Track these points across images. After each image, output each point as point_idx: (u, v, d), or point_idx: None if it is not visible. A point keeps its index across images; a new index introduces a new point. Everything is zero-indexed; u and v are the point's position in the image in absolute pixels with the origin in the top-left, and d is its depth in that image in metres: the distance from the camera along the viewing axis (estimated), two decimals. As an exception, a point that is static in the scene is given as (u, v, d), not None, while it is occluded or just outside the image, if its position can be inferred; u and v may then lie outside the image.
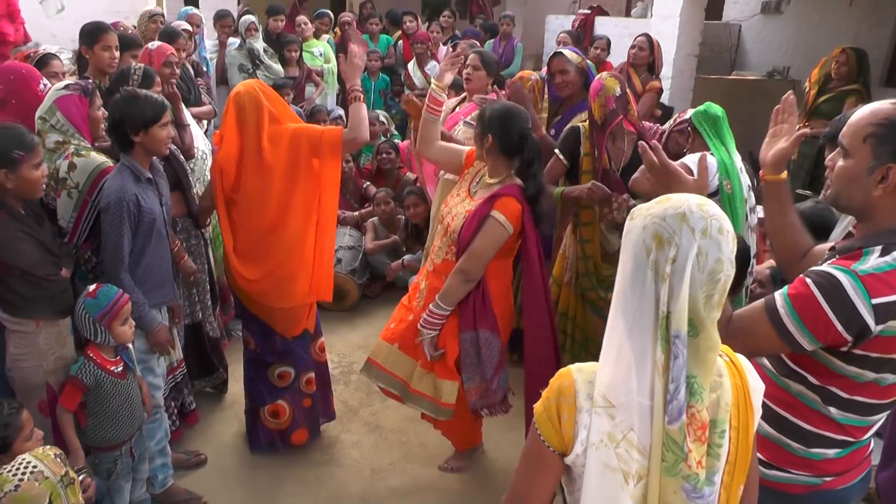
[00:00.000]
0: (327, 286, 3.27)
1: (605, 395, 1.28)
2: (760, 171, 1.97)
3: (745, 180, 2.90)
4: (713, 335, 1.26)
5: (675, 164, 1.78)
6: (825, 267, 1.59)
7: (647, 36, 5.56)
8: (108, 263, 2.72)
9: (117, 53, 3.69)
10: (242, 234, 3.15)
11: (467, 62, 4.04)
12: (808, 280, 1.57)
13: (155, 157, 2.93)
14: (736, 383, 1.35)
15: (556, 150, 3.57)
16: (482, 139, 2.89)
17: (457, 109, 4.25)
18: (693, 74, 7.13)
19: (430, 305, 2.94)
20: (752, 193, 2.91)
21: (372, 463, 3.47)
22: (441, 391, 3.00)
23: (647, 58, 5.47)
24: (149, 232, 2.78)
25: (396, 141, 6.09)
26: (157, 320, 2.88)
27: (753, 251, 2.85)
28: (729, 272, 1.26)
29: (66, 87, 2.84)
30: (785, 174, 1.94)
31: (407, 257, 5.28)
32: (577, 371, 1.36)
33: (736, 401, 1.33)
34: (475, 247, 2.85)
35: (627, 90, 3.36)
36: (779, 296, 1.61)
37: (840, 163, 1.65)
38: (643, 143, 1.71)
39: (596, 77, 3.49)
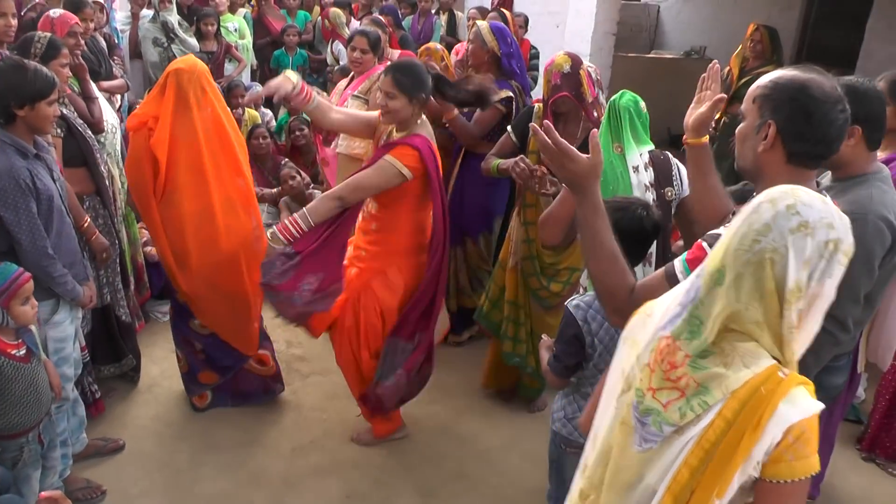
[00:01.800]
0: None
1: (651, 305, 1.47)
2: (683, 137, 2.05)
3: (641, 178, 2.90)
4: (736, 317, 1.27)
5: None
6: (719, 229, 1.64)
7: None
8: (30, 246, 2.61)
9: (14, 22, 3.51)
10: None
11: (354, 46, 4.14)
12: (704, 244, 1.62)
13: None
14: (753, 393, 1.26)
15: (508, 128, 3.53)
16: (411, 103, 2.94)
17: (346, 90, 4.27)
18: (611, 52, 7.24)
19: (296, 214, 2.98)
20: (647, 191, 2.90)
21: (292, 441, 3.47)
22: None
23: None
24: (48, 210, 2.68)
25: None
26: (80, 290, 2.84)
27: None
28: None
29: None
30: (706, 139, 2.03)
31: None
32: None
33: (740, 405, 1.26)
34: (359, 176, 2.93)
35: (585, 72, 3.24)
36: (678, 261, 1.65)
37: (740, 127, 1.73)
38: (534, 125, 1.73)
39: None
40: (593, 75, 3.93)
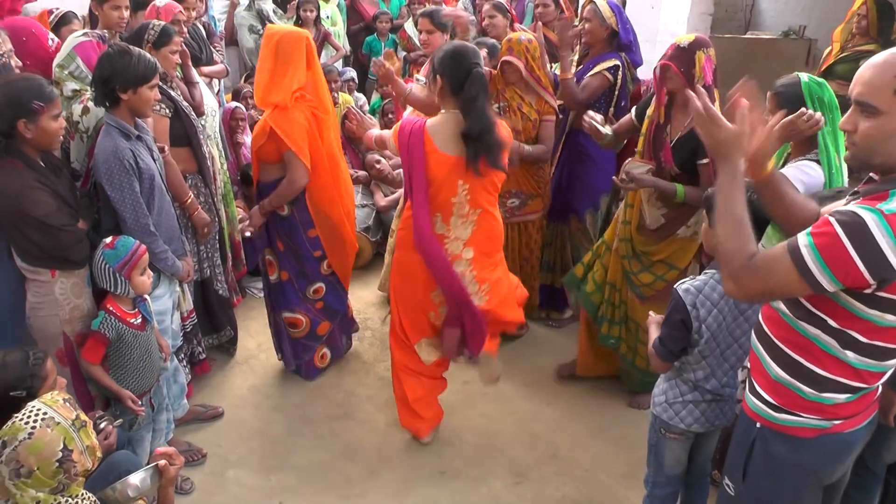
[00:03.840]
0: None
1: None
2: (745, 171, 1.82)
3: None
4: None
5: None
6: (850, 206, 1.55)
7: None
8: (133, 223, 2.74)
9: (127, 13, 3.67)
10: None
11: (420, 28, 4.18)
12: (832, 219, 1.53)
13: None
14: None
15: (632, 111, 3.46)
16: (433, 82, 2.89)
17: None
18: (707, 33, 6.99)
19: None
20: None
21: (387, 416, 3.52)
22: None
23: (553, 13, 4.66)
24: (150, 189, 2.80)
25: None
26: (179, 265, 2.97)
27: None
28: None
29: (84, 34, 2.83)
30: (770, 164, 1.86)
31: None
32: None
33: None
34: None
35: (701, 55, 3.02)
36: (802, 235, 1.58)
37: (866, 123, 1.58)
38: (689, 91, 1.71)
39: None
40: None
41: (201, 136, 3.61)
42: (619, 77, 3.90)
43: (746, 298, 1.77)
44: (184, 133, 3.42)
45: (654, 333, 2.42)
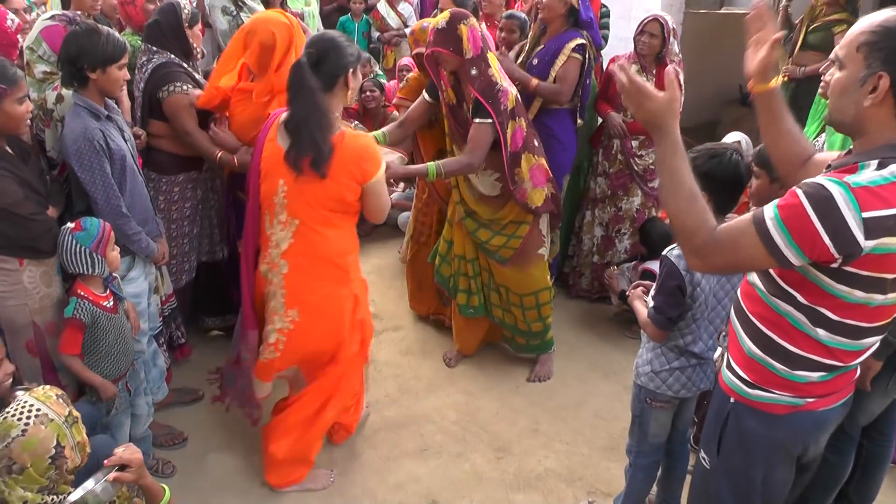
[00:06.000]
0: None
1: None
2: (749, 83, 1.91)
3: None
4: None
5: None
6: (818, 179, 1.53)
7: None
8: (105, 205, 2.69)
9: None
10: None
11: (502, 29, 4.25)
12: (798, 191, 1.51)
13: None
14: None
15: (424, 93, 3.42)
16: None
17: None
18: (682, 8, 6.99)
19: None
20: None
21: (367, 396, 3.50)
22: None
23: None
24: (122, 170, 2.75)
25: (382, 81, 6.00)
26: (154, 246, 2.93)
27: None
28: None
29: (52, 17, 2.77)
30: (774, 81, 1.87)
31: (395, 196, 5.27)
32: None
33: None
34: None
35: (464, 28, 3.06)
36: (768, 208, 1.56)
37: (836, 76, 1.61)
38: (613, 66, 1.69)
39: None
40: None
41: None
42: (587, 55, 3.84)
43: (712, 271, 1.77)
44: (201, 115, 3.26)
45: (640, 307, 2.44)
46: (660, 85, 3.91)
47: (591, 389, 3.65)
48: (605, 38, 4.54)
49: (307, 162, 2.49)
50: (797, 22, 5.69)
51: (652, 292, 2.39)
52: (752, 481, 1.87)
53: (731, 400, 1.85)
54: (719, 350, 2.60)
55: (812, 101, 4.34)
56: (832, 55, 1.65)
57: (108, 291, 2.67)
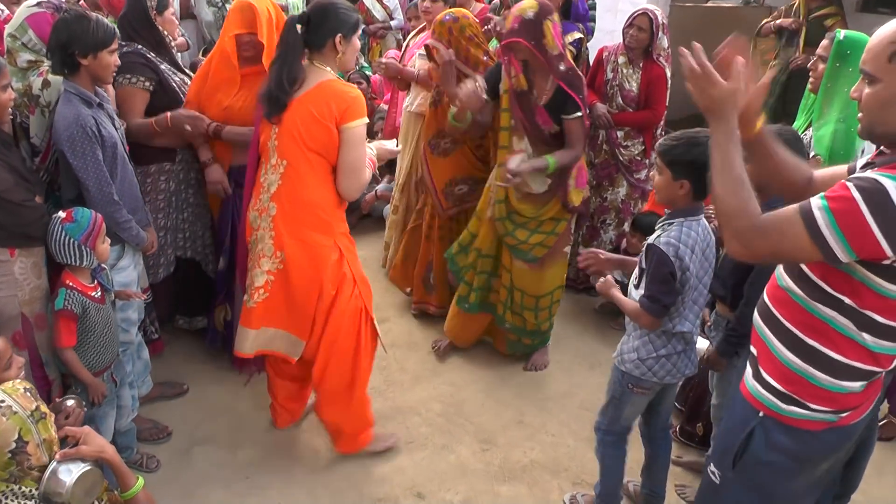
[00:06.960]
0: None
1: None
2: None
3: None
4: None
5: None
6: (869, 173, 1.48)
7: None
8: (97, 192, 2.67)
9: None
10: None
11: None
12: (850, 184, 1.46)
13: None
14: None
15: (479, 78, 3.38)
16: None
17: (411, 44, 4.20)
18: (669, 1, 7.01)
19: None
20: None
21: (353, 388, 3.52)
22: None
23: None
24: (113, 157, 2.72)
25: (368, 73, 5.98)
26: (144, 235, 2.92)
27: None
28: None
29: (38, 4, 2.73)
30: (759, 123, 1.78)
31: (380, 187, 5.27)
32: None
33: None
34: None
35: (549, 24, 3.07)
36: (816, 198, 1.50)
37: (867, 90, 1.56)
38: (683, 48, 1.66)
39: None
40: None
41: None
42: (581, 49, 3.85)
43: (753, 259, 1.72)
44: (169, 107, 3.18)
45: (623, 299, 2.45)
46: (645, 78, 3.95)
47: (577, 381, 3.66)
48: (592, 31, 4.56)
49: (270, 105, 2.64)
50: (789, 23, 5.67)
51: (633, 281, 2.42)
52: (772, 497, 1.82)
53: (760, 414, 1.77)
54: (705, 342, 2.63)
55: (801, 96, 4.36)
56: (860, 69, 1.59)
57: (95, 282, 2.65)
